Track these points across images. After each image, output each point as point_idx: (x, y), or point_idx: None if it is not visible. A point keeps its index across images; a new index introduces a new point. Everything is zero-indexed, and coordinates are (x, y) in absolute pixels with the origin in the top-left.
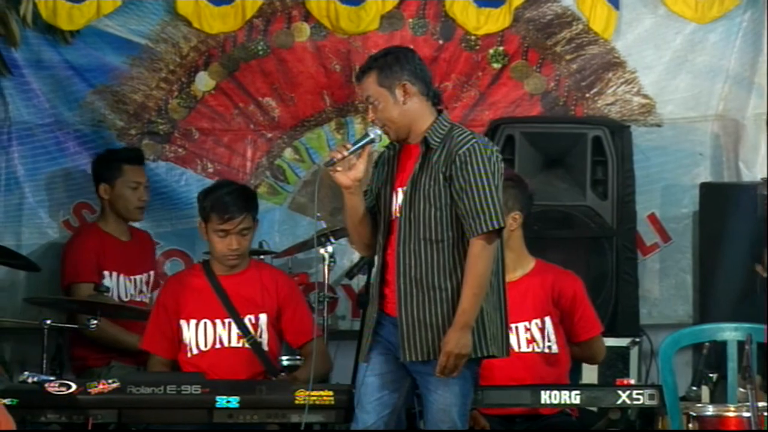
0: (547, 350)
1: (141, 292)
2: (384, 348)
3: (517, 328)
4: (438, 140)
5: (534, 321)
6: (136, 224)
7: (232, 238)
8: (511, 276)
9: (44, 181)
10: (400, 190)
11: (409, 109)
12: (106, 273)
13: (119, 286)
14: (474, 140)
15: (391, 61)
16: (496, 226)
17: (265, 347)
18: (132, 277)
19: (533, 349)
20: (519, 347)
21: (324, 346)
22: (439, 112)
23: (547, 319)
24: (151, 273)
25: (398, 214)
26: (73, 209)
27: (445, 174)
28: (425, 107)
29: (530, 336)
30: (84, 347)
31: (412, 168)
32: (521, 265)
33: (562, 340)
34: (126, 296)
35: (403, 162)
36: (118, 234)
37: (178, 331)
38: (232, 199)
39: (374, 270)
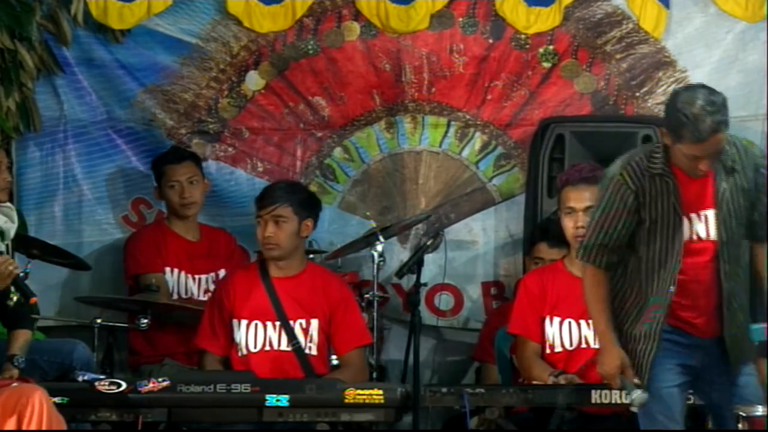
0: None
1: (207, 291)
2: (680, 367)
3: None
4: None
5: None
6: (214, 224)
7: (266, 224)
8: None
9: (101, 178)
10: (695, 216)
11: None
12: (167, 269)
13: (179, 283)
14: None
15: None
16: None
17: (315, 352)
18: (197, 276)
19: None
20: None
21: (364, 358)
22: None
23: None
24: (221, 272)
25: (711, 238)
26: (131, 205)
27: (747, 190)
28: None
29: None
30: (141, 343)
31: (701, 192)
32: None
33: None
34: (186, 294)
35: (684, 187)
36: (183, 233)
37: (231, 329)
38: (271, 189)
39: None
